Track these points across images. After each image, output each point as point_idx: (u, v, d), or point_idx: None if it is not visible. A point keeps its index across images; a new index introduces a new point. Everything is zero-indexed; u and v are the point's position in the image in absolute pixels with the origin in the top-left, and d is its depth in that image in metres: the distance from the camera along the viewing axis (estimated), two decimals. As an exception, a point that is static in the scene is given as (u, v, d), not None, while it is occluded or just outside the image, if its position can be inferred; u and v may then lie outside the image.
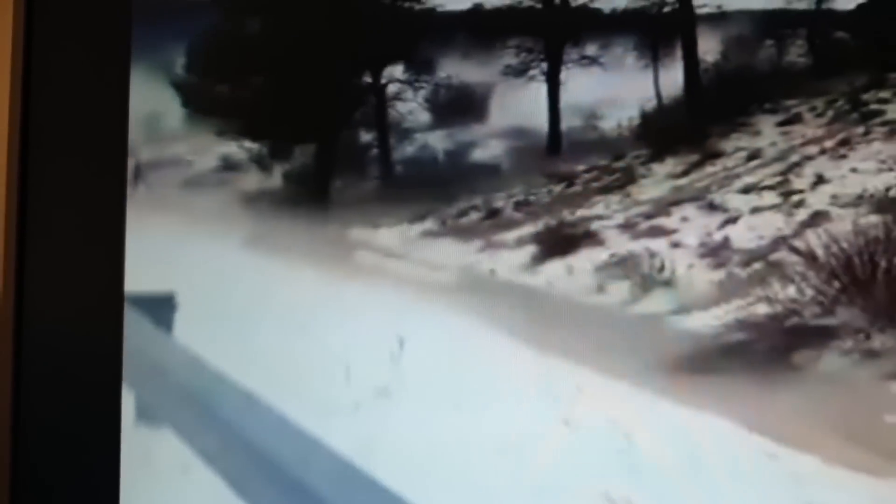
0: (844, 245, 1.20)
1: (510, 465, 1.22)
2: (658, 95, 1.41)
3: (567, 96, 1.43)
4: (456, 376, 1.24)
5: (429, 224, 1.44)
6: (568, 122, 1.42)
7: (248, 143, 1.42)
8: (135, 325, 1.30)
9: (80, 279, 1.13)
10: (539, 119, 1.42)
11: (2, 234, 1.05)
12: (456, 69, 1.43)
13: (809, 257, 1.18)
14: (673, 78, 1.41)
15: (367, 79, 1.44)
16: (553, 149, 1.43)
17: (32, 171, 1.11)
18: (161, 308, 1.33)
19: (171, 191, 1.39)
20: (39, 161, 1.10)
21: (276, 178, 1.44)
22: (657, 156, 1.39)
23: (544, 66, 1.43)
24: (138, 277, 1.28)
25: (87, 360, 1.12)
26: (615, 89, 1.42)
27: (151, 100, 1.33)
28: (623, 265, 1.29)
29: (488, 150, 1.43)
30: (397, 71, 1.46)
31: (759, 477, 1.15)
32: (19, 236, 1.06)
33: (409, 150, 1.43)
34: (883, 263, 1.17)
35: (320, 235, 1.42)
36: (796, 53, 1.39)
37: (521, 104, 1.43)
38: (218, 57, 1.42)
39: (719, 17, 1.39)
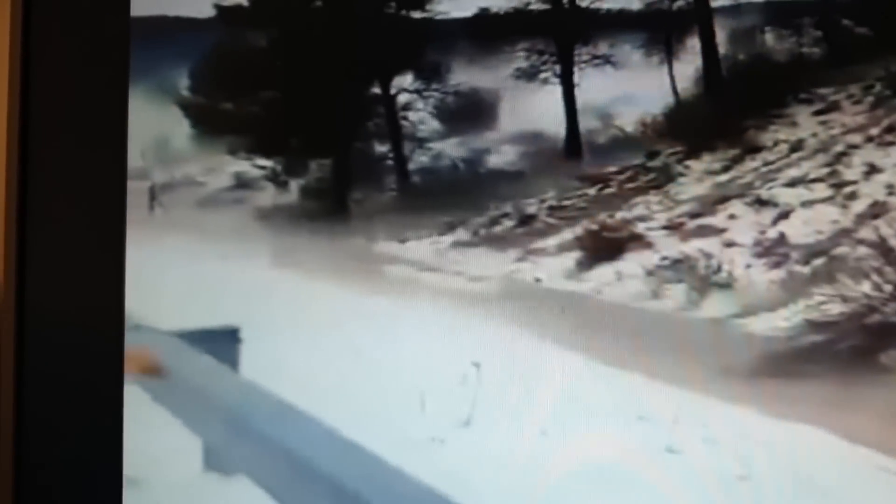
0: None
1: (611, 494, 1.05)
2: (675, 91, 1.29)
3: (581, 97, 1.32)
4: (529, 396, 1.07)
5: (460, 234, 1.33)
6: (584, 123, 1.32)
7: (261, 161, 1.34)
8: (194, 364, 1.14)
9: (82, 282, 1.06)
10: (553, 122, 1.32)
11: (2, 238, 1.02)
12: (465, 76, 1.33)
13: (884, 249, 1.03)
14: (685, 73, 1.30)
15: (377, 90, 1.36)
16: (572, 151, 1.33)
17: (32, 174, 1.05)
18: (225, 342, 1.21)
19: (188, 211, 1.32)
20: (39, 164, 1.05)
21: (291, 194, 1.35)
22: (693, 153, 1.28)
23: (556, 67, 1.33)
24: (166, 305, 1.20)
25: (90, 363, 1.06)
26: (629, 87, 1.31)
27: (158, 122, 1.26)
28: (676, 268, 1.14)
29: (504, 156, 1.33)
30: (406, 80, 1.37)
31: (871, 490, 1.00)
32: (19, 239, 1.03)
33: (424, 159, 1.34)
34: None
35: (345, 251, 1.33)
36: (809, 43, 1.28)
37: (533, 108, 1.32)
38: (224, 74, 1.34)
39: (730, 10, 1.28)
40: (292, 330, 1.22)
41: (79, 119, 1.07)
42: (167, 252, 1.23)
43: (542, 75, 1.34)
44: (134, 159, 1.17)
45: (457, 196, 1.33)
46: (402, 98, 1.37)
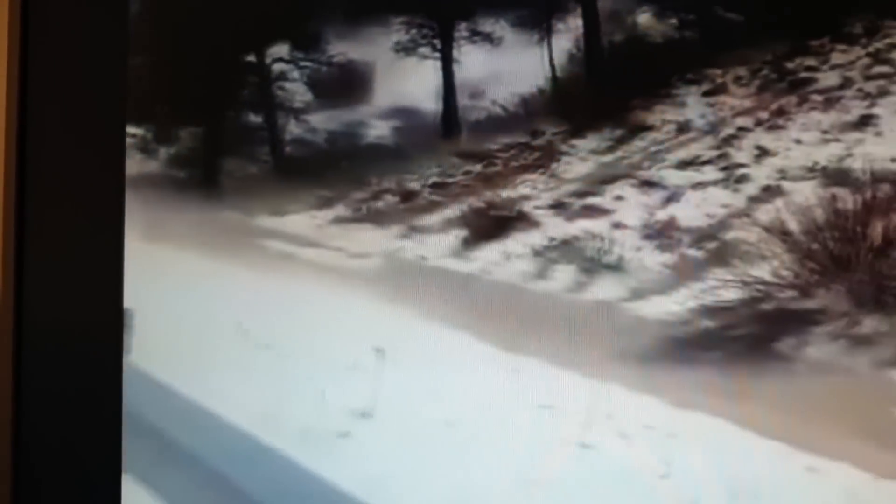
0: (813, 219, 0.93)
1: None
2: (553, 70, 1.19)
3: (459, 74, 1.21)
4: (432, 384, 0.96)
5: (340, 209, 1.22)
6: (461, 100, 1.21)
7: (130, 128, 1.18)
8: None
9: (79, 283, 1.02)
10: (430, 98, 1.21)
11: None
12: (343, 47, 1.22)
13: (781, 234, 0.93)
14: (565, 52, 1.21)
15: (251, 58, 1.24)
16: (449, 128, 1.21)
17: (30, 174, 1.01)
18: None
19: None
20: (37, 164, 1.01)
21: (159, 163, 1.23)
22: (578, 132, 1.18)
23: (436, 42, 1.22)
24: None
25: (88, 367, 1.01)
26: (508, 65, 1.20)
27: None
28: (563, 249, 1.02)
29: (380, 131, 1.22)
30: (283, 50, 1.25)
31: (782, 483, 0.90)
32: (17, 240, 0.98)
33: (298, 131, 1.23)
34: (861, 239, 0.92)
35: (220, 224, 1.21)
36: (686, 26, 1.19)
37: (411, 83, 1.22)
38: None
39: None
40: (177, 310, 1.08)
41: (76, 121, 1.04)
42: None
43: (421, 50, 1.23)
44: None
45: (333, 170, 1.22)
46: (277, 67, 1.25)
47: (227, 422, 1.04)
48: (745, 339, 0.99)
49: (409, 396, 1.02)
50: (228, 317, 1.07)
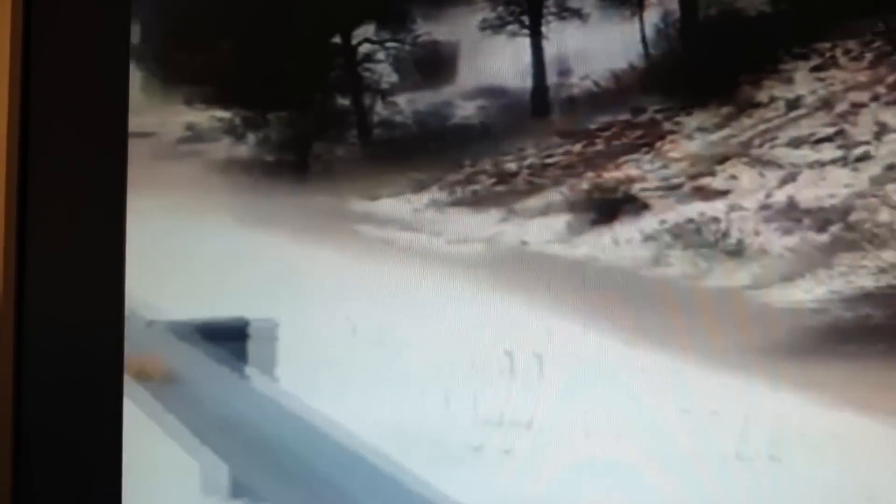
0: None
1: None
2: (645, 45, 1.10)
3: (549, 50, 1.11)
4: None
5: (435, 193, 1.12)
6: (552, 77, 1.11)
7: (219, 112, 1.14)
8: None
9: (81, 280, 0.97)
10: (519, 75, 1.12)
11: (1, 234, 0.92)
12: (429, 27, 1.13)
13: None
14: (659, 27, 1.10)
15: (337, 39, 1.15)
16: (540, 107, 1.12)
17: (32, 169, 0.96)
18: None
19: (146, 163, 1.11)
20: (39, 159, 0.96)
21: (248, 147, 1.15)
22: (683, 109, 1.08)
23: (524, 19, 1.11)
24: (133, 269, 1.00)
25: (89, 364, 0.96)
26: (600, 41, 1.10)
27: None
28: (677, 233, 0.91)
29: (468, 111, 1.12)
30: (369, 31, 1.16)
31: None
32: (19, 237, 0.93)
33: (385, 113, 1.14)
34: None
35: (312, 208, 1.13)
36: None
37: (499, 61, 1.12)
38: (179, 23, 1.15)
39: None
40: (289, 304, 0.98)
41: (78, 118, 0.99)
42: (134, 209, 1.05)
43: (509, 27, 1.12)
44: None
45: (423, 151, 1.13)
46: (363, 48, 1.15)
47: (344, 433, 0.92)
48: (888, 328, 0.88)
49: (540, 402, 0.91)
50: (333, 308, 0.96)
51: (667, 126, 1.05)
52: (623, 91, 1.10)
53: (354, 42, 1.16)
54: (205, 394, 0.98)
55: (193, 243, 1.08)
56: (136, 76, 1.12)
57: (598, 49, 1.10)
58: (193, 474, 0.98)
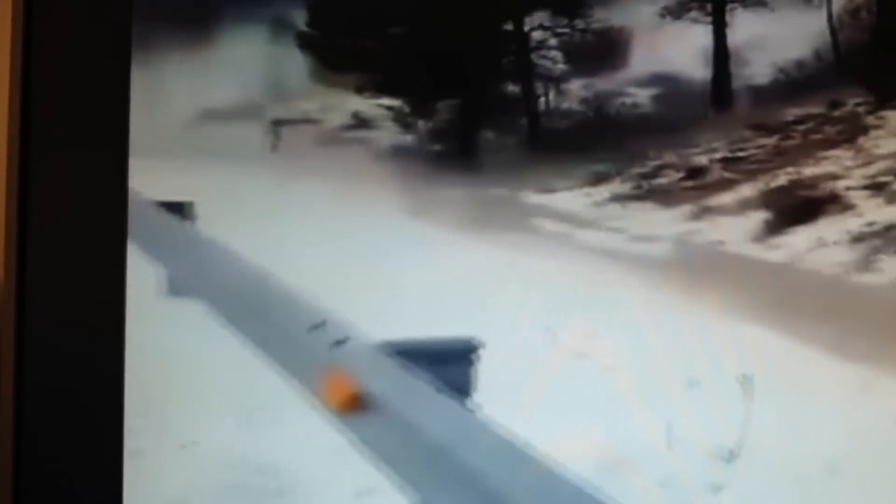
0: None
1: None
2: (834, 36, 1.03)
3: (731, 38, 1.04)
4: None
5: (617, 186, 1.05)
6: (733, 67, 1.04)
7: (387, 100, 1.07)
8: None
9: (82, 272, 0.91)
10: (695, 64, 1.04)
11: (2, 226, 0.89)
12: (605, 13, 1.05)
13: None
14: (844, 17, 1.02)
15: (509, 26, 1.08)
16: (722, 97, 1.05)
17: (33, 164, 0.91)
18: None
19: (309, 150, 1.04)
20: (40, 153, 0.91)
21: (413, 135, 1.07)
22: (886, 102, 1.00)
23: (707, 6, 1.05)
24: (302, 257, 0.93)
25: (90, 356, 0.90)
26: (781, 30, 1.02)
27: (273, 58, 1.02)
28: (887, 236, 0.83)
29: (641, 99, 1.05)
30: (542, 17, 1.08)
31: None
32: (20, 230, 0.90)
33: (558, 101, 1.07)
34: None
35: (483, 200, 1.04)
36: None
37: (675, 48, 1.05)
38: (348, 9, 1.07)
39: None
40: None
41: (79, 114, 0.92)
42: (295, 197, 0.99)
43: (692, 14, 1.05)
44: (250, 95, 0.99)
45: (600, 142, 1.06)
46: (536, 35, 1.08)
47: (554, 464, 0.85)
48: None
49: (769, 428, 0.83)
50: (526, 315, 0.88)
51: (869, 121, 0.96)
52: (812, 82, 1.02)
53: (527, 28, 1.08)
54: (404, 418, 0.90)
55: (364, 234, 1.00)
56: (302, 62, 1.06)
57: (781, 37, 1.03)
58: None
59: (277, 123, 1.02)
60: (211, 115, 1.00)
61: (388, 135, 1.06)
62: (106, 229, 0.91)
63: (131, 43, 0.91)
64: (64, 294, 0.90)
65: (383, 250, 0.97)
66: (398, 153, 1.06)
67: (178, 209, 0.99)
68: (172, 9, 0.99)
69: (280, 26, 1.04)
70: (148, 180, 0.90)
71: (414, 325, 0.89)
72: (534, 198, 1.05)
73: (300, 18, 1.05)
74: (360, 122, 1.08)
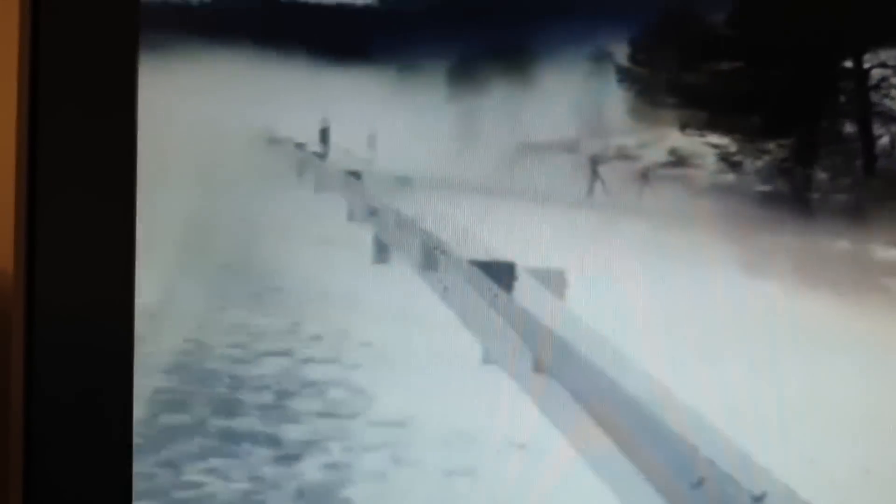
0: None
1: None
2: None
3: None
4: None
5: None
6: None
7: (713, 138, 0.97)
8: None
9: (92, 276, 0.90)
10: None
11: (11, 225, 0.88)
12: None
13: None
14: None
15: (848, 63, 0.98)
16: None
17: (41, 161, 0.89)
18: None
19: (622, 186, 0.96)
20: (48, 151, 0.89)
21: (737, 175, 0.97)
22: None
23: None
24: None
25: (99, 356, 0.89)
26: None
27: (593, 92, 0.95)
28: None
29: None
30: (886, 55, 0.98)
31: None
32: (29, 231, 0.88)
33: None
34: None
35: (819, 251, 0.93)
36: None
37: None
38: (675, 44, 0.99)
39: None
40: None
41: (89, 106, 0.91)
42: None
43: None
44: (563, 130, 0.93)
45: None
46: (877, 73, 0.98)
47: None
48: None
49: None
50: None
51: None
52: None
53: (866, 66, 0.98)
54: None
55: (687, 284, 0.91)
56: (623, 97, 0.99)
57: None
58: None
59: (595, 161, 0.97)
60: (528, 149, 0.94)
61: (707, 174, 0.97)
62: (115, 227, 0.90)
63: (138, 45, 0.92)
64: (73, 291, 0.89)
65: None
66: (719, 192, 0.97)
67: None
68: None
69: (601, 61, 0.98)
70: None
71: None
72: (885, 253, 0.93)
73: (621, 53, 0.97)
74: (679, 159, 1.00)
